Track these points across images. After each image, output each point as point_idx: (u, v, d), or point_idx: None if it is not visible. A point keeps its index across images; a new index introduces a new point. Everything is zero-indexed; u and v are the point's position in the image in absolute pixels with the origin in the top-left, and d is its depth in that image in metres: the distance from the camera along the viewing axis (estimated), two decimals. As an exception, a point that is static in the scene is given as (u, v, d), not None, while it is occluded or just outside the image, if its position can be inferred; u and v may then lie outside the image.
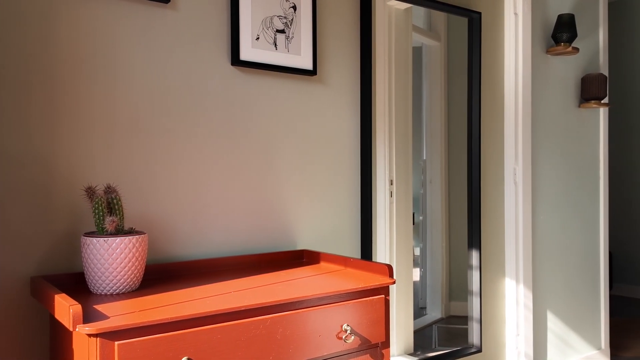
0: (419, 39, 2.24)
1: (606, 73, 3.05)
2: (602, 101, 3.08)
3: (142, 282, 1.44)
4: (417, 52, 2.23)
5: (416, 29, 2.21)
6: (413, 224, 2.20)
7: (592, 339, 3.01)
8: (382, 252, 2.09)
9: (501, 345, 2.58)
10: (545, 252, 2.77)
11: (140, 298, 1.24)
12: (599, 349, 3.05)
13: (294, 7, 1.82)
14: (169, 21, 1.60)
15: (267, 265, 1.72)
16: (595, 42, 3.04)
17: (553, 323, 2.80)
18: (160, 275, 1.52)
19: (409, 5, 2.16)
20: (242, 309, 1.18)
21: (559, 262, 2.84)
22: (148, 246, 1.56)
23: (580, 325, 2.94)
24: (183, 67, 1.63)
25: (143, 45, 1.56)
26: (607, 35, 3.15)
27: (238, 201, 1.74)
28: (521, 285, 2.58)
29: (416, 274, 2.22)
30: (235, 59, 1.70)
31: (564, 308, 2.86)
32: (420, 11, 2.24)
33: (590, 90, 2.87)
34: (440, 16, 2.31)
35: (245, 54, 1.72)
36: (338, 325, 1.33)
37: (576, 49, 2.70)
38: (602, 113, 3.05)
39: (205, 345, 1.13)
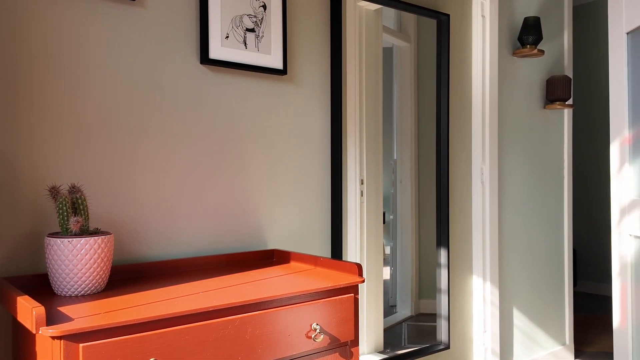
0: (390, 40, 2.26)
1: (570, 75, 3.13)
2: (567, 102, 3.15)
3: (108, 283, 1.42)
4: (388, 52, 2.25)
5: (386, 29, 2.23)
6: (383, 223, 2.22)
7: (556, 335, 3.09)
8: (353, 251, 2.10)
9: (469, 342, 2.62)
10: (511, 250, 2.83)
11: (106, 299, 1.22)
12: (564, 344, 3.12)
13: (264, 6, 1.82)
14: (137, 19, 1.58)
15: (237, 265, 1.71)
16: (560, 45, 3.11)
17: (519, 320, 2.86)
18: (127, 276, 1.50)
19: (379, 6, 2.18)
20: (211, 309, 1.17)
21: (524, 259, 2.90)
22: (115, 247, 1.54)
23: (545, 321, 3.01)
24: (151, 65, 1.61)
25: (110, 43, 1.53)
26: (572, 37, 3.23)
27: (208, 200, 1.73)
28: (488, 283, 2.63)
29: (386, 273, 2.24)
30: (205, 58, 1.69)
31: (530, 305, 2.92)
32: (390, 12, 2.26)
33: (555, 91, 2.94)
34: (410, 18, 2.34)
35: (214, 53, 1.71)
36: (307, 325, 1.34)
37: (542, 51, 2.76)
38: (567, 114, 3.13)
39: (173, 347, 1.12)
